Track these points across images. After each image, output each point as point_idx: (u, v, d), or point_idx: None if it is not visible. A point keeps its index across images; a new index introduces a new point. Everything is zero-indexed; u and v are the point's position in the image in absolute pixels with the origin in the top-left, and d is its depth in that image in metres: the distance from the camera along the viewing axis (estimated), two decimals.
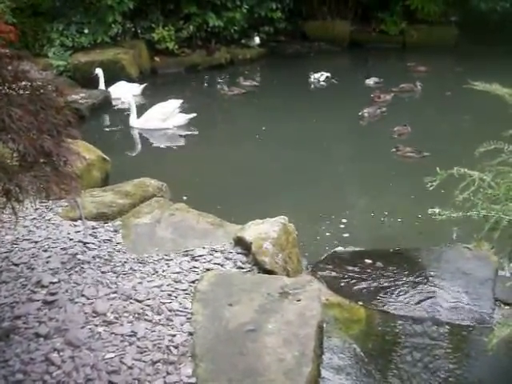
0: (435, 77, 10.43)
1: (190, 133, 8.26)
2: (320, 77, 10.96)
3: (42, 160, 2.91)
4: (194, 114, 8.43)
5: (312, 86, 10.91)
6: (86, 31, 10.68)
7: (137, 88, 9.88)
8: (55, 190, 2.96)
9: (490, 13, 12.90)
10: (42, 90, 3.01)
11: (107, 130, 8.11)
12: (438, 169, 3.65)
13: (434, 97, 10.09)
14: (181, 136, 8.28)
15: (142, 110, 8.44)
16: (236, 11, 11.94)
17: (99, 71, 9.63)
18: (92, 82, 9.83)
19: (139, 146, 8.14)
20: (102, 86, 9.80)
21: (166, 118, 8.27)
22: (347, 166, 7.34)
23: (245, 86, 10.63)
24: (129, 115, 8.29)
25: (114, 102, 9.48)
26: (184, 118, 8.41)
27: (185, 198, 5.58)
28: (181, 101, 8.51)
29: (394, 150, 7.39)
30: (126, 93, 9.39)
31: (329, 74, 10.96)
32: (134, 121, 8.22)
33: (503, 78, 4.07)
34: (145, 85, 9.97)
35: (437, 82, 10.97)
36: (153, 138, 8.26)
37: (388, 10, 13.42)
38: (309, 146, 7.88)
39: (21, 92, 2.96)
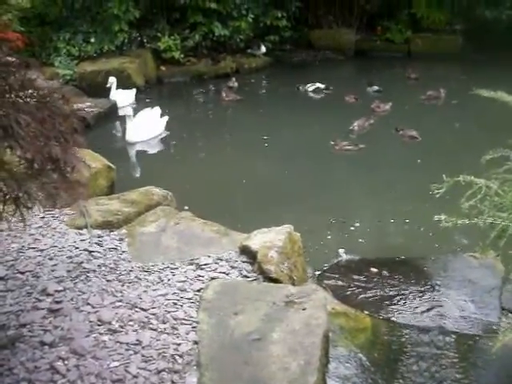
0: (440, 85, 10.41)
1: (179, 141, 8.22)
2: (310, 87, 10.95)
3: (49, 167, 2.92)
4: (167, 117, 8.61)
5: (302, 96, 10.89)
6: (92, 40, 10.73)
7: (131, 94, 9.89)
8: (63, 197, 2.97)
9: (495, 21, 12.91)
10: (48, 98, 3.01)
11: (113, 138, 8.11)
12: (444, 176, 3.64)
13: (440, 105, 10.08)
14: (181, 145, 8.28)
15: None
16: (242, 20, 11.98)
17: (113, 80, 9.56)
18: (99, 91, 9.85)
19: (142, 156, 8.14)
20: (113, 95, 9.72)
21: (155, 124, 8.24)
22: (350, 174, 7.32)
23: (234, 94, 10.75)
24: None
25: (119, 111, 9.47)
26: (164, 121, 8.51)
27: (189, 206, 5.57)
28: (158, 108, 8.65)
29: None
30: (123, 101, 9.48)
31: (320, 85, 10.94)
32: (132, 136, 8.11)
33: (509, 86, 4.06)
34: (135, 90, 9.96)
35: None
36: (152, 148, 8.26)
37: (393, 19, 13.46)
38: (310, 155, 7.89)
39: (27, 100, 2.97)
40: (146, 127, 8.09)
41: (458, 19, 13.82)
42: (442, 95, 10.25)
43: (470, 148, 6.90)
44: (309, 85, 10.96)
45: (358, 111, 9.38)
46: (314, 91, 10.91)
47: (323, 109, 9.73)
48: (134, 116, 8.03)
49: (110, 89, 9.66)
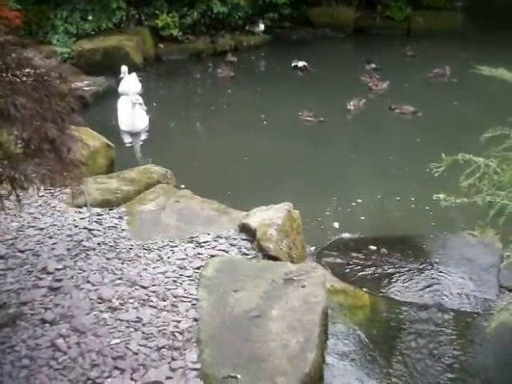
0: (440, 63, 10.37)
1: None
2: (298, 63, 10.90)
3: (45, 147, 2.91)
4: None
5: (299, 73, 10.83)
6: (89, 18, 10.62)
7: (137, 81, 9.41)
8: (59, 178, 2.97)
9: None
10: (45, 77, 3.00)
11: (111, 117, 8.07)
12: (443, 155, 3.64)
13: (440, 83, 10.03)
14: (179, 124, 8.23)
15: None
16: None
17: (125, 70, 9.15)
18: (97, 69, 9.77)
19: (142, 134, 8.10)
20: (123, 85, 9.12)
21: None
22: (350, 153, 7.31)
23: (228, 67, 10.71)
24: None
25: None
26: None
27: (189, 185, 5.56)
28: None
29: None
30: (133, 88, 8.95)
31: (305, 63, 10.89)
32: (139, 124, 7.73)
33: (509, 64, 4.04)
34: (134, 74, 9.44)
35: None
36: (150, 127, 8.17)
37: None
38: (309, 132, 7.88)
39: (24, 79, 2.96)
40: (143, 111, 7.82)
41: None
42: (447, 73, 10.24)
43: (470, 126, 6.89)
44: (296, 61, 10.93)
45: (355, 89, 9.35)
46: (296, 68, 10.86)
47: (322, 87, 9.66)
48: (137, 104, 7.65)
49: (120, 79, 9.20)
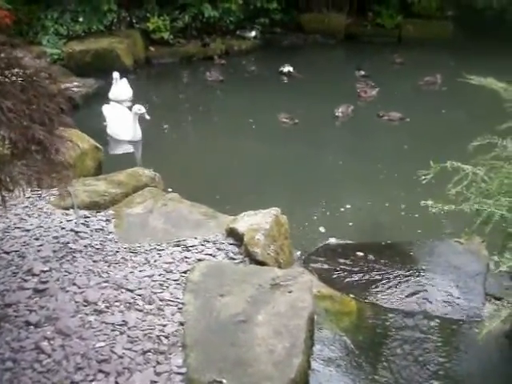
0: (430, 71, 10.43)
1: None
2: (284, 68, 10.95)
3: (33, 148, 2.90)
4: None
5: (288, 78, 10.87)
6: (80, 19, 10.60)
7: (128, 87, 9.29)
8: (46, 180, 2.95)
9: (487, 9, 12.87)
10: (34, 78, 2.99)
11: (101, 119, 8.04)
12: (431, 162, 3.66)
13: (429, 91, 10.09)
14: (168, 128, 8.21)
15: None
16: (232, 2, 11.86)
17: (117, 76, 9.04)
18: (87, 71, 9.75)
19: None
20: (115, 91, 9.12)
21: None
22: (338, 159, 7.33)
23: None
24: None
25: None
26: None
27: (177, 189, 5.54)
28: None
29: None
30: (123, 95, 9.05)
31: (291, 68, 10.91)
32: (137, 134, 7.51)
33: (498, 74, 4.07)
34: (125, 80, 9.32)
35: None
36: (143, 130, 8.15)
37: (384, 4, 13.37)
38: (297, 138, 7.90)
39: (13, 79, 2.94)
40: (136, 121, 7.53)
41: (449, 5, 13.78)
42: (438, 81, 10.30)
43: (458, 134, 6.93)
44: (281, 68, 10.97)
45: (344, 96, 9.38)
46: (282, 73, 10.90)
47: (310, 93, 9.68)
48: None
49: (111, 84, 9.11)
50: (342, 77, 10.67)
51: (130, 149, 7.49)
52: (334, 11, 13.56)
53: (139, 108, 7.35)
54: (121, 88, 9.06)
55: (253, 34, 12.65)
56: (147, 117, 7.39)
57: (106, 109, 7.94)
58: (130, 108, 7.82)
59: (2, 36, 3.05)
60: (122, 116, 7.72)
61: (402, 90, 10.16)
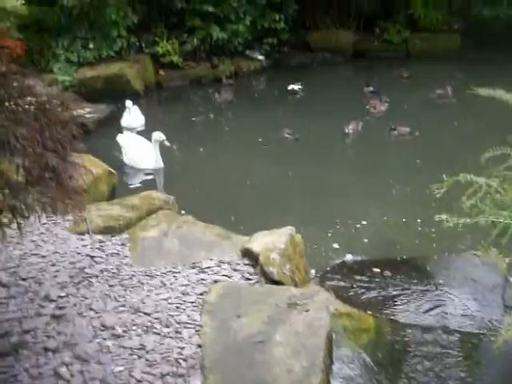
0: (438, 84, 10.43)
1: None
2: (293, 87, 11.04)
3: (47, 175, 2.92)
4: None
5: (296, 98, 10.93)
6: (90, 46, 10.73)
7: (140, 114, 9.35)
8: (60, 206, 2.97)
9: (493, 20, 12.88)
10: (47, 105, 3.02)
11: (113, 144, 8.11)
12: (444, 176, 3.65)
13: (437, 104, 10.08)
14: (180, 150, 8.25)
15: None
16: (239, 23, 11.98)
17: (129, 105, 9.06)
18: (99, 97, 9.84)
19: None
20: (127, 119, 9.12)
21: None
22: (351, 175, 7.33)
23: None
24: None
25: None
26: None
27: (191, 210, 5.56)
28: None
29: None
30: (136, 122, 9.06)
31: (296, 86, 11.01)
32: (159, 161, 7.44)
33: (507, 84, 4.07)
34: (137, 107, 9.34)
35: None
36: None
37: (391, 19, 13.44)
38: (308, 156, 7.91)
39: (26, 107, 2.98)
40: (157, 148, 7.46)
41: (456, 18, 13.80)
42: (449, 93, 10.30)
43: (470, 146, 6.90)
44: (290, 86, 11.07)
45: (353, 112, 9.40)
46: (290, 92, 10.99)
47: (319, 111, 9.72)
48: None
49: (123, 112, 9.13)
50: (351, 93, 10.70)
51: (150, 177, 7.43)
52: (342, 29, 13.63)
53: (159, 135, 7.28)
54: (133, 116, 9.11)
55: (261, 57, 12.77)
56: (167, 144, 7.32)
57: (122, 138, 7.85)
58: (140, 134, 7.89)
59: (14, 65, 3.09)
60: (141, 144, 7.64)
61: (411, 103, 10.17)
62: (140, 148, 7.61)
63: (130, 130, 8.66)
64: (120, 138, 7.86)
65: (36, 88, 3.11)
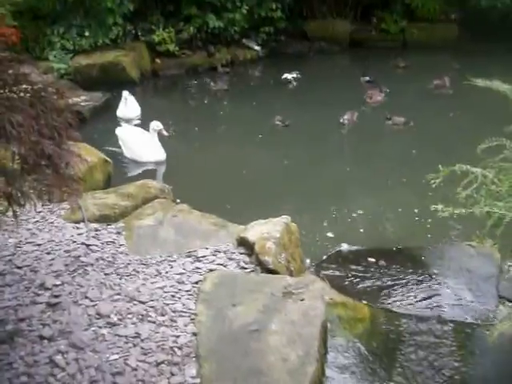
0: (434, 74, 10.41)
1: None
2: (287, 76, 11.02)
3: (43, 162, 2.91)
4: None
5: (292, 86, 10.91)
6: (86, 34, 10.66)
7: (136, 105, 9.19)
8: (57, 194, 2.96)
9: (491, 10, 12.82)
10: (42, 93, 3.01)
11: (109, 132, 8.08)
12: (440, 166, 3.65)
13: (434, 94, 10.07)
14: (176, 138, 8.22)
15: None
16: (236, 12, 11.91)
17: (126, 94, 8.90)
18: (94, 85, 9.80)
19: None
20: (122, 110, 8.92)
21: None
22: (347, 165, 7.33)
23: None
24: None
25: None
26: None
27: (187, 199, 5.55)
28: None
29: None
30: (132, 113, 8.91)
31: (290, 76, 11.00)
32: (162, 153, 7.29)
33: (504, 75, 4.06)
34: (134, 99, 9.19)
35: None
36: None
37: (388, 9, 13.37)
38: (304, 145, 7.91)
39: (21, 95, 2.96)
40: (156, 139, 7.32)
41: (453, 8, 13.75)
42: (447, 84, 10.26)
43: (466, 137, 6.90)
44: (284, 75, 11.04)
45: (350, 102, 9.39)
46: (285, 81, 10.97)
47: (315, 100, 9.70)
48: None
49: (119, 102, 8.97)
50: (348, 83, 10.68)
51: (146, 167, 7.28)
52: (339, 18, 13.58)
53: (157, 124, 7.15)
54: (129, 106, 9.03)
55: (257, 47, 12.73)
56: (165, 133, 7.19)
57: (121, 131, 7.64)
58: (137, 125, 7.84)
59: (9, 53, 3.07)
60: (142, 137, 7.43)
61: (408, 94, 10.15)
62: (141, 141, 7.40)
63: (126, 120, 8.58)
64: (119, 131, 7.66)
65: (31, 75, 3.10)
